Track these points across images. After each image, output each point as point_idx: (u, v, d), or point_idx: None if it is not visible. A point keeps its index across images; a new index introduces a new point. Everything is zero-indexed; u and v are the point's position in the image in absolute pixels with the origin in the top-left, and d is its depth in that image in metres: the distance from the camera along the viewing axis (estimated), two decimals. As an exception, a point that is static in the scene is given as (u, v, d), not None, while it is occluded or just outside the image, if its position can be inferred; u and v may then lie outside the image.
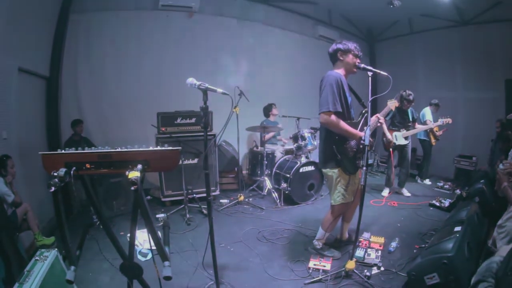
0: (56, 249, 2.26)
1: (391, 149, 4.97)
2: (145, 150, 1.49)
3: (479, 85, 6.34)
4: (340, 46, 2.71)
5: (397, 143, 4.94)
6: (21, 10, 3.55)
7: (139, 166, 1.40)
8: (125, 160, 1.47)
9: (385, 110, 3.23)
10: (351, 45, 2.69)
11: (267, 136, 5.67)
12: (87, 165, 1.51)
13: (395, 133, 4.94)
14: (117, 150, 1.48)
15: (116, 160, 1.47)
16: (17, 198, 3.08)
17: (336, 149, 2.69)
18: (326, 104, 2.54)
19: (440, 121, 5.09)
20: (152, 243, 1.49)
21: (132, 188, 1.32)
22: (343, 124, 2.59)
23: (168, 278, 1.46)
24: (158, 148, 1.51)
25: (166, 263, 1.52)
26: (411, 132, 4.99)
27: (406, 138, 4.98)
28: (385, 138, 4.91)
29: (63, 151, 1.54)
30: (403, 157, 5.14)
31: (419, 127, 5.18)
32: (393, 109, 3.17)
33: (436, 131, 5.79)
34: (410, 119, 5.02)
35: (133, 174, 1.33)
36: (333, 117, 2.56)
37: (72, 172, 1.47)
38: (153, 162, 1.49)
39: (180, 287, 2.59)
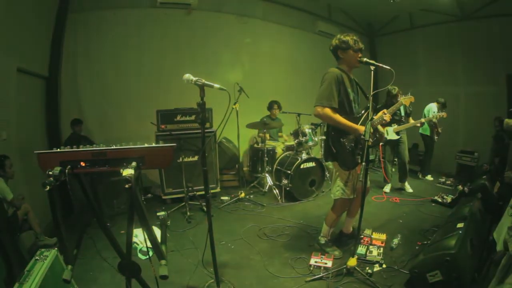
0: (56, 248, 2.25)
1: (380, 144, 4.92)
2: (140, 147, 1.47)
3: (480, 80, 6.27)
4: (338, 44, 2.68)
5: (388, 138, 4.90)
6: (19, 10, 3.53)
7: (133, 164, 1.38)
8: (120, 158, 1.45)
9: (397, 106, 3.17)
10: (350, 40, 2.63)
11: None
12: (82, 163, 1.49)
13: (386, 128, 4.86)
14: (111, 148, 1.46)
15: (111, 158, 1.45)
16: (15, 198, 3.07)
17: (332, 143, 2.72)
18: (321, 99, 2.60)
19: (433, 115, 5.05)
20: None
21: (126, 186, 1.29)
22: (339, 118, 2.59)
23: (164, 277, 1.44)
24: (153, 145, 1.49)
25: (163, 262, 1.50)
26: (402, 127, 4.94)
27: (397, 133, 4.94)
28: (378, 133, 4.87)
29: (58, 150, 1.52)
30: (397, 152, 5.10)
31: (411, 122, 5.09)
32: (407, 104, 3.16)
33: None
34: (402, 114, 4.97)
35: (127, 172, 1.31)
36: (326, 110, 2.57)
37: (66, 170, 1.45)
38: (148, 159, 1.47)
39: (180, 285, 2.58)
